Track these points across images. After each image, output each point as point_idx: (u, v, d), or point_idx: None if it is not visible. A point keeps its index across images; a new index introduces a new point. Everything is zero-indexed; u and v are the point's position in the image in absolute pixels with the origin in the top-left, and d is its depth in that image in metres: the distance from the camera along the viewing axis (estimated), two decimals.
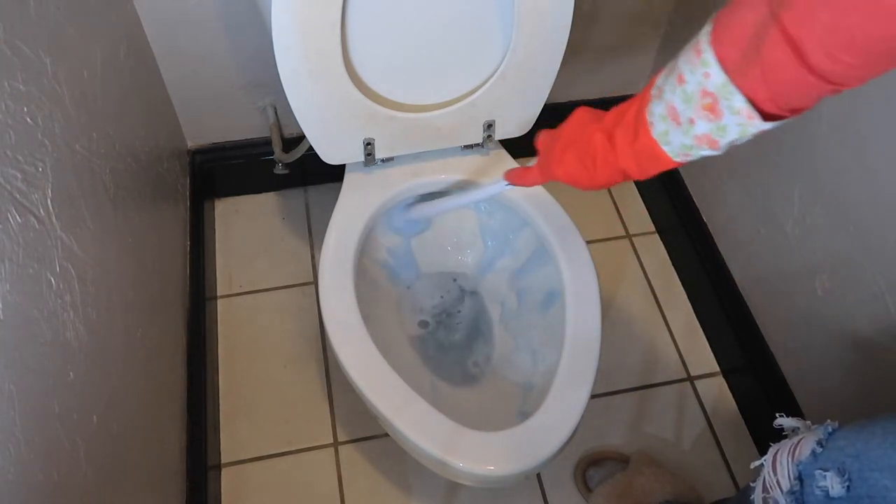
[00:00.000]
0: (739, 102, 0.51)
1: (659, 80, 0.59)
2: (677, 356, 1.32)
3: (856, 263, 0.95)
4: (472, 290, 1.15)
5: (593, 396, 0.88)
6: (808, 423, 0.74)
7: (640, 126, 0.62)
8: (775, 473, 0.72)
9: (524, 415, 0.88)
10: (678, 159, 0.60)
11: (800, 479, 0.69)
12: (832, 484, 0.65)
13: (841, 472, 0.64)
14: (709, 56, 0.52)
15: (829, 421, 0.70)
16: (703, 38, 0.53)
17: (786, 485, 0.70)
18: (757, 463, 0.76)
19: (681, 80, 0.55)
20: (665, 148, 0.60)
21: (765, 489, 0.74)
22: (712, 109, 0.53)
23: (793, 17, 0.45)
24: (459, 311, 1.12)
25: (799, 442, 0.71)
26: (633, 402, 1.26)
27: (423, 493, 1.15)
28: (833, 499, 0.65)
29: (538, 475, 1.17)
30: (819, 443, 0.68)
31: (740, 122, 0.52)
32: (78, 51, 0.81)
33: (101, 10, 0.92)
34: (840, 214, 0.97)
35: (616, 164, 0.67)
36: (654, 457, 1.18)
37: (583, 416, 0.86)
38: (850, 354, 1.00)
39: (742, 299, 1.24)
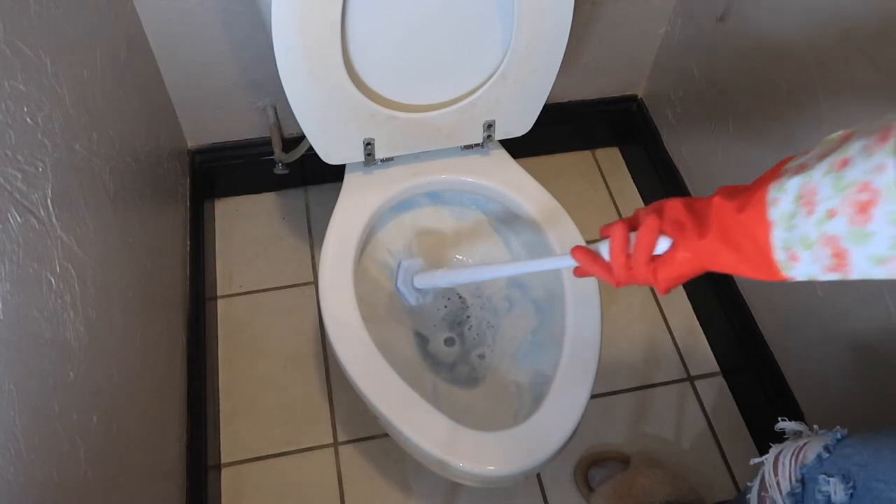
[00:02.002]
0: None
1: (806, 157, 0.49)
2: (677, 356, 1.32)
3: None
4: (474, 293, 1.15)
5: (593, 396, 0.88)
6: (816, 426, 0.74)
7: (754, 199, 0.50)
8: (776, 474, 0.72)
9: (524, 415, 0.88)
10: (781, 256, 0.49)
11: (802, 482, 0.68)
12: (835, 490, 0.64)
13: (846, 479, 0.64)
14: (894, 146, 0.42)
15: (838, 427, 0.70)
16: None
17: (786, 486, 0.70)
18: (757, 460, 0.76)
19: (844, 164, 0.45)
20: (776, 234, 0.49)
21: (763, 488, 0.74)
22: (865, 210, 0.43)
23: None
24: (468, 317, 1.12)
25: (804, 445, 0.71)
26: (633, 402, 1.26)
27: (423, 493, 1.15)
28: None
29: (538, 475, 1.17)
30: (826, 448, 0.68)
31: (893, 235, 0.43)
32: (78, 51, 0.81)
33: (101, 10, 0.92)
34: None
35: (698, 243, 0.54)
36: (654, 457, 1.18)
37: (583, 416, 0.86)
38: (849, 354, 1.00)
39: (742, 299, 1.24)
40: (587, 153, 1.59)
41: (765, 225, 0.50)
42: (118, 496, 0.76)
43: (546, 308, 1.05)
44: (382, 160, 1.05)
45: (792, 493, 0.69)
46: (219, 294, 1.35)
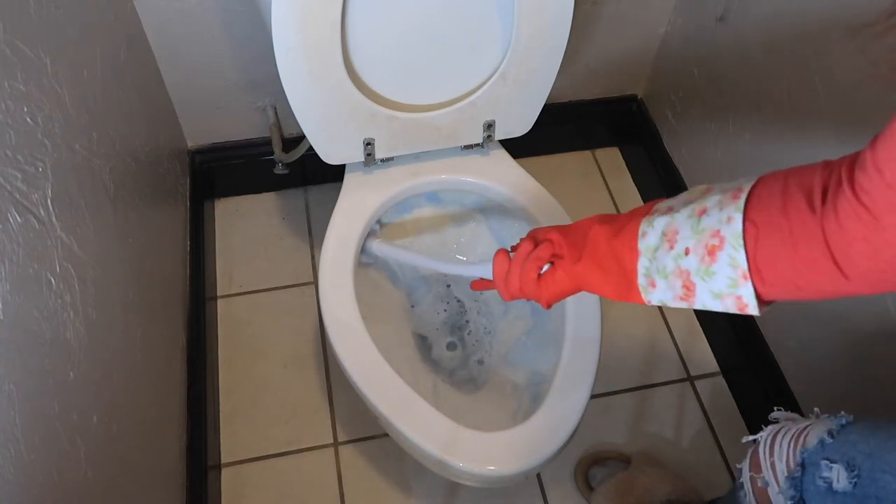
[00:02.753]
0: (742, 259, 0.51)
1: (673, 200, 0.59)
2: (677, 356, 1.32)
3: None
4: (471, 296, 1.15)
5: (593, 396, 0.88)
6: (817, 409, 0.72)
7: (627, 229, 0.59)
8: (771, 455, 0.71)
9: (524, 415, 0.88)
10: (642, 281, 0.59)
11: (802, 465, 0.67)
12: (838, 477, 0.63)
13: (850, 467, 0.63)
14: (743, 205, 0.51)
15: (842, 413, 0.69)
16: (747, 187, 0.52)
17: (782, 469, 0.69)
18: (749, 438, 0.75)
19: (702, 213, 0.54)
20: (641, 262, 0.58)
21: (754, 468, 0.73)
22: (712, 253, 0.53)
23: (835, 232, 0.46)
24: (468, 322, 1.12)
25: (805, 428, 0.69)
26: (633, 402, 1.26)
27: (423, 493, 1.15)
28: (836, 492, 0.64)
29: (538, 475, 1.17)
30: (830, 433, 0.66)
31: (732, 276, 0.52)
32: (78, 51, 0.81)
33: (101, 10, 0.92)
34: None
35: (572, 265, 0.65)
36: (654, 457, 1.18)
37: (583, 416, 0.86)
38: (850, 354, 1.00)
39: None
40: (587, 153, 1.59)
41: (633, 253, 0.58)
42: (118, 496, 0.76)
43: (541, 310, 1.05)
44: (382, 160, 1.05)
45: (791, 478, 0.68)
46: (219, 294, 1.35)
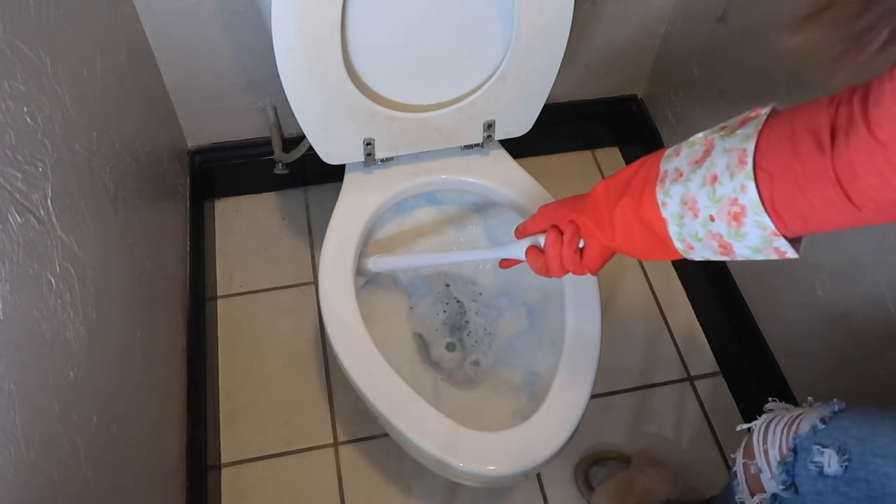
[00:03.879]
0: (768, 222, 0.52)
1: (678, 160, 0.59)
2: (677, 356, 1.32)
3: (856, 263, 0.95)
4: (470, 296, 1.14)
5: (593, 396, 0.88)
6: (811, 398, 0.73)
7: (645, 199, 0.61)
8: (764, 442, 0.71)
9: (524, 415, 0.88)
10: (679, 245, 0.60)
11: (794, 451, 0.68)
12: (829, 461, 0.64)
13: (841, 452, 0.64)
14: (751, 170, 0.52)
15: (835, 400, 0.69)
16: (750, 147, 0.52)
17: (775, 455, 0.69)
18: (744, 426, 0.76)
19: (714, 180, 0.54)
20: (672, 228, 0.59)
21: (748, 455, 0.73)
22: (737, 218, 0.53)
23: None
24: (467, 322, 1.11)
25: (799, 416, 0.70)
26: (633, 402, 1.26)
27: (423, 493, 1.15)
28: (827, 476, 0.64)
29: (538, 475, 1.17)
30: (822, 419, 0.67)
31: (762, 235, 0.53)
32: (78, 51, 0.81)
33: (101, 10, 0.92)
34: None
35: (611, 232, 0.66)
36: (654, 456, 1.18)
37: (583, 417, 0.86)
38: (850, 354, 1.00)
39: (742, 299, 1.24)
40: (587, 153, 1.59)
41: (661, 221, 0.59)
42: (118, 496, 0.76)
43: (538, 310, 1.06)
44: (382, 160, 1.05)
45: (783, 463, 0.68)
46: (219, 294, 1.35)
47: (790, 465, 0.67)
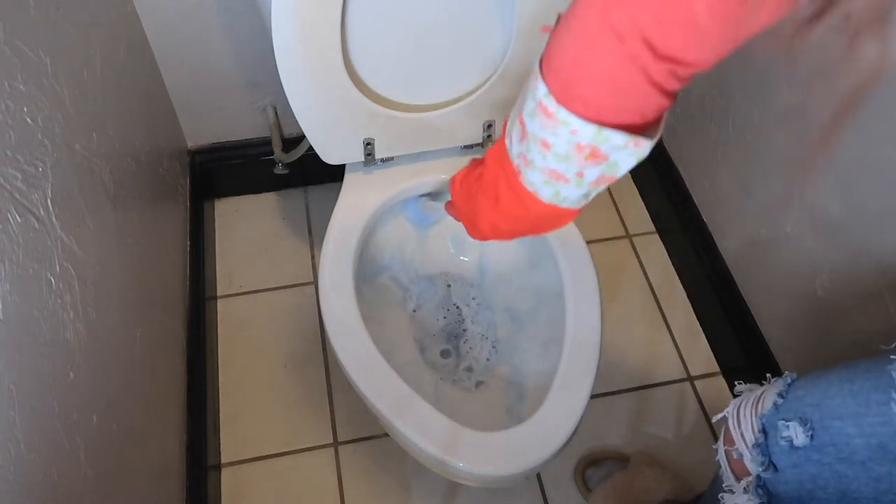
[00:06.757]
0: (620, 139, 0.50)
1: (516, 147, 0.58)
2: (677, 356, 1.32)
3: (856, 263, 0.95)
4: (471, 296, 1.14)
5: (593, 396, 0.88)
6: (769, 374, 0.74)
7: (523, 196, 0.60)
8: (739, 427, 0.72)
9: (524, 415, 0.88)
10: (579, 206, 0.61)
11: (763, 431, 0.69)
12: (796, 433, 0.65)
13: (803, 422, 0.64)
14: (565, 115, 0.50)
15: (786, 372, 0.70)
16: (546, 99, 0.51)
17: (750, 438, 0.70)
18: (719, 416, 0.76)
19: (546, 146, 0.53)
20: (564, 205, 0.59)
21: (727, 442, 0.74)
22: (595, 156, 0.52)
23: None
24: (465, 331, 1.11)
25: (762, 395, 0.71)
26: (633, 402, 1.26)
27: (423, 493, 1.15)
28: (798, 448, 0.65)
29: (538, 475, 1.17)
30: (780, 394, 0.68)
31: (631, 152, 0.52)
32: (78, 51, 0.81)
33: (100, 10, 0.92)
34: (840, 214, 0.97)
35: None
36: (654, 456, 1.18)
37: (583, 417, 0.86)
38: (850, 354, 1.00)
39: (742, 299, 1.24)
40: None
41: (550, 206, 0.60)
42: (118, 496, 0.76)
43: (546, 308, 1.06)
44: (382, 160, 1.05)
45: (757, 444, 0.69)
46: (219, 294, 1.35)
47: (764, 446, 0.68)
